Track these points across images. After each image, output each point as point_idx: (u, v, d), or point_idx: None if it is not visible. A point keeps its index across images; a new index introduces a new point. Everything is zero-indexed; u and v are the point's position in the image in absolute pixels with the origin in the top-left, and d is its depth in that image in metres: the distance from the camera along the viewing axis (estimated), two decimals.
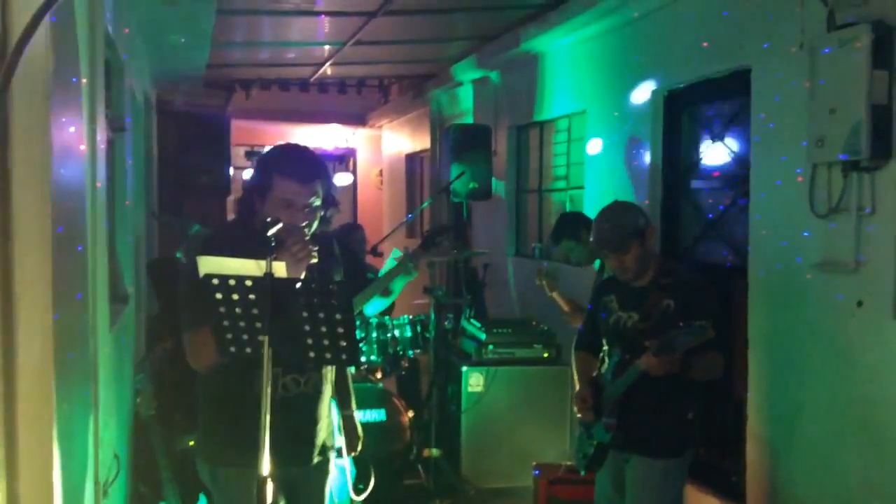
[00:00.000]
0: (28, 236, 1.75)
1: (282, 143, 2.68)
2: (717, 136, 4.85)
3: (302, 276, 2.37)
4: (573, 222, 4.67)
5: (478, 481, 5.09)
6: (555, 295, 4.70)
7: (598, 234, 3.10)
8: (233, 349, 2.24)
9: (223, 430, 2.57)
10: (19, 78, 1.62)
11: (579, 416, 3.25)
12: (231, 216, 2.80)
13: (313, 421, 2.63)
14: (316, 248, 2.42)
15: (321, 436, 2.69)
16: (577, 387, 3.31)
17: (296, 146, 2.64)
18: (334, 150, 13.22)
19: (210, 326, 2.29)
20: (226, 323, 2.22)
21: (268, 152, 2.61)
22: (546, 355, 5.35)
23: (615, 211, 3.26)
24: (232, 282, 2.18)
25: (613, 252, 3.05)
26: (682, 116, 5.11)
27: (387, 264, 4.01)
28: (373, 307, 4.08)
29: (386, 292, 4.07)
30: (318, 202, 2.54)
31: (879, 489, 3.37)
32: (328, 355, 2.26)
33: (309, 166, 2.56)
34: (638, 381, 2.95)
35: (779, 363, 3.99)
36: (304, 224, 2.50)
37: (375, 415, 4.79)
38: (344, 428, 2.86)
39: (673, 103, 5.10)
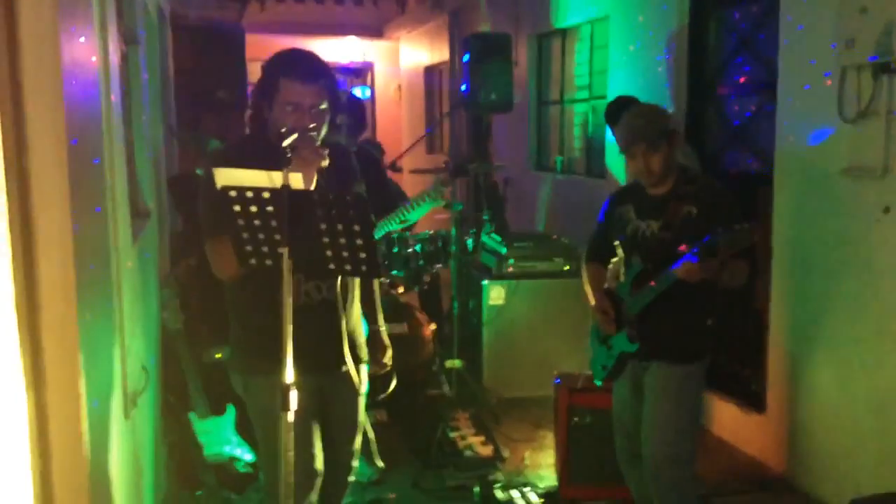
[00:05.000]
0: (42, 148, 1.73)
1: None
2: (745, 40, 4.71)
3: (314, 180, 2.37)
4: (631, 102, 4.52)
5: (499, 391, 5.17)
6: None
7: (630, 128, 3.01)
8: (252, 261, 2.26)
9: (252, 340, 2.60)
10: None
11: (602, 328, 3.24)
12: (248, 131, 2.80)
13: (337, 327, 2.65)
14: (326, 150, 2.41)
15: (347, 343, 2.70)
16: (592, 299, 3.29)
17: (299, 49, 2.63)
18: (350, 64, 13.04)
19: (223, 236, 2.33)
20: (245, 235, 2.22)
21: (272, 57, 2.60)
22: (567, 268, 5.35)
23: (648, 108, 3.20)
24: (250, 194, 2.17)
25: (647, 145, 2.96)
26: (708, 20, 4.96)
27: (422, 208, 4.02)
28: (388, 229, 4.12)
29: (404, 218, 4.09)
30: (324, 105, 2.53)
31: None
32: (347, 267, 2.27)
33: (313, 66, 2.55)
34: (667, 289, 2.93)
35: (802, 271, 3.96)
36: (312, 126, 2.49)
37: (398, 328, 4.83)
38: (371, 342, 2.89)
39: (699, 6, 4.95)
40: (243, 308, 2.63)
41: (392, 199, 4.45)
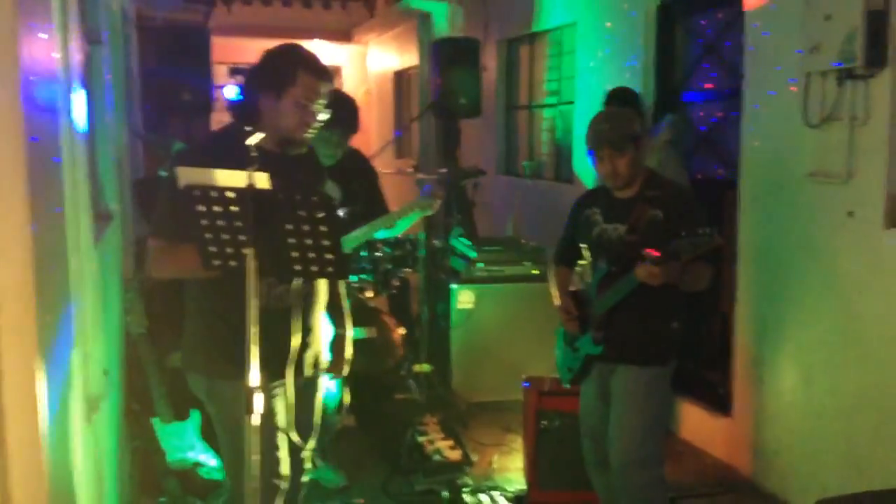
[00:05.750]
0: (0, 145, 1.69)
1: (284, 43, 2.61)
2: (711, 47, 4.76)
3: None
4: (623, 95, 4.50)
5: (468, 396, 5.15)
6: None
7: (596, 133, 3.04)
8: (217, 262, 2.22)
9: (217, 342, 2.54)
10: None
11: (566, 328, 3.26)
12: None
13: (307, 332, 2.62)
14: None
15: (314, 348, 2.68)
16: (557, 300, 3.31)
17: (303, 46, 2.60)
18: None
19: (170, 242, 2.37)
20: (209, 235, 2.18)
21: (284, 49, 2.53)
22: (535, 272, 5.35)
23: (614, 113, 3.22)
24: (214, 193, 2.14)
25: (612, 149, 2.98)
26: (675, 27, 5.01)
27: (410, 218, 3.97)
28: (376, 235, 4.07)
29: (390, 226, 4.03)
30: (325, 104, 2.53)
31: (866, 399, 3.42)
32: (314, 268, 2.23)
33: (324, 64, 2.54)
34: (631, 292, 2.95)
35: (767, 275, 4.00)
36: (316, 125, 2.51)
37: (366, 332, 4.80)
38: (334, 348, 2.85)
39: (666, 13, 4.99)
40: (209, 310, 2.57)
41: (385, 206, 4.38)
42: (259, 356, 2.15)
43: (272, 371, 2.48)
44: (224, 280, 2.34)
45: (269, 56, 2.53)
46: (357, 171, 4.30)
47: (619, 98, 4.42)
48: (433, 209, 3.93)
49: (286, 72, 2.46)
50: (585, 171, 5.78)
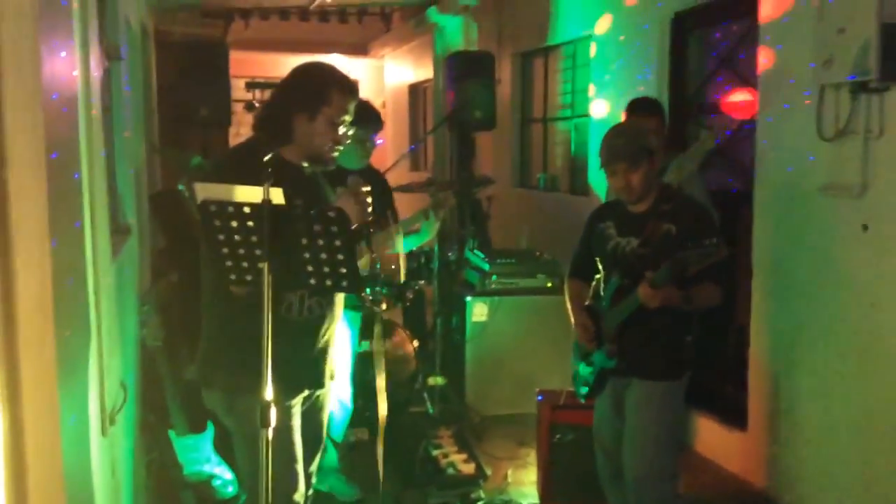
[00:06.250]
0: (21, 161, 1.72)
1: (313, 61, 2.63)
2: (725, 60, 4.76)
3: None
4: (645, 105, 4.47)
5: (482, 409, 5.16)
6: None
7: (609, 148, 3.04)
8: (233, 277, 2.24)
9: (243, 357, 2.45)
10: None
11: (582, 343, 3.26)
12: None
13: (328, 343, 2.65)
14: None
15: (331, 362, 2.70)
16: (572, 315, 3.30)
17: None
18: None
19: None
20: (225, 250, 2.21)
21: (316, 68, 2.56)
22: (549, 285, 5.35)
23: (628, 128, 3.23)
24: (230, 209, 2.16)
25: (627, 164, 2.98)
26: (689, 39, 5.02)
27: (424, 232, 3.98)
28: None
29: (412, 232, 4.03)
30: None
31: (882, 414, 3.40)
32: (328, 282, 2.26)
33: (354, 83, 2.59)
34: (638, 308, 2.95)
35: (782, 289, 3.99)
36: (344, 142, 2.54)
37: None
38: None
39: (680, 26, 5.00)
40: (232, 325, 2.52)
41: (397, 218, 4.39)
42: (285, 369, 2.16)
43: (297, 384, 2.51)
44: (248, 294, 2.33)
45: (301, 75, 2.53)
46: (374, 185, 4.32)
47: (642, 107, 4.39)
48: (438, 217, 3.90)
49: (320, 92, 2.48)
50: (600, 183, 5.78)
